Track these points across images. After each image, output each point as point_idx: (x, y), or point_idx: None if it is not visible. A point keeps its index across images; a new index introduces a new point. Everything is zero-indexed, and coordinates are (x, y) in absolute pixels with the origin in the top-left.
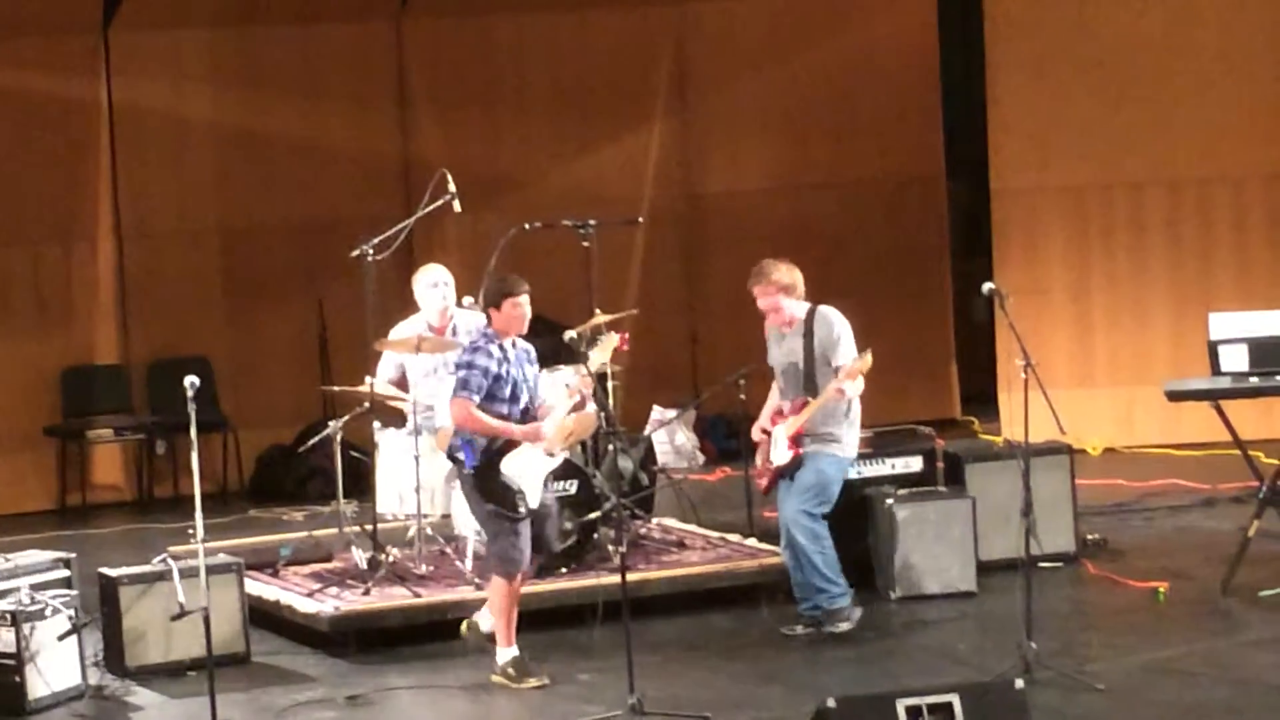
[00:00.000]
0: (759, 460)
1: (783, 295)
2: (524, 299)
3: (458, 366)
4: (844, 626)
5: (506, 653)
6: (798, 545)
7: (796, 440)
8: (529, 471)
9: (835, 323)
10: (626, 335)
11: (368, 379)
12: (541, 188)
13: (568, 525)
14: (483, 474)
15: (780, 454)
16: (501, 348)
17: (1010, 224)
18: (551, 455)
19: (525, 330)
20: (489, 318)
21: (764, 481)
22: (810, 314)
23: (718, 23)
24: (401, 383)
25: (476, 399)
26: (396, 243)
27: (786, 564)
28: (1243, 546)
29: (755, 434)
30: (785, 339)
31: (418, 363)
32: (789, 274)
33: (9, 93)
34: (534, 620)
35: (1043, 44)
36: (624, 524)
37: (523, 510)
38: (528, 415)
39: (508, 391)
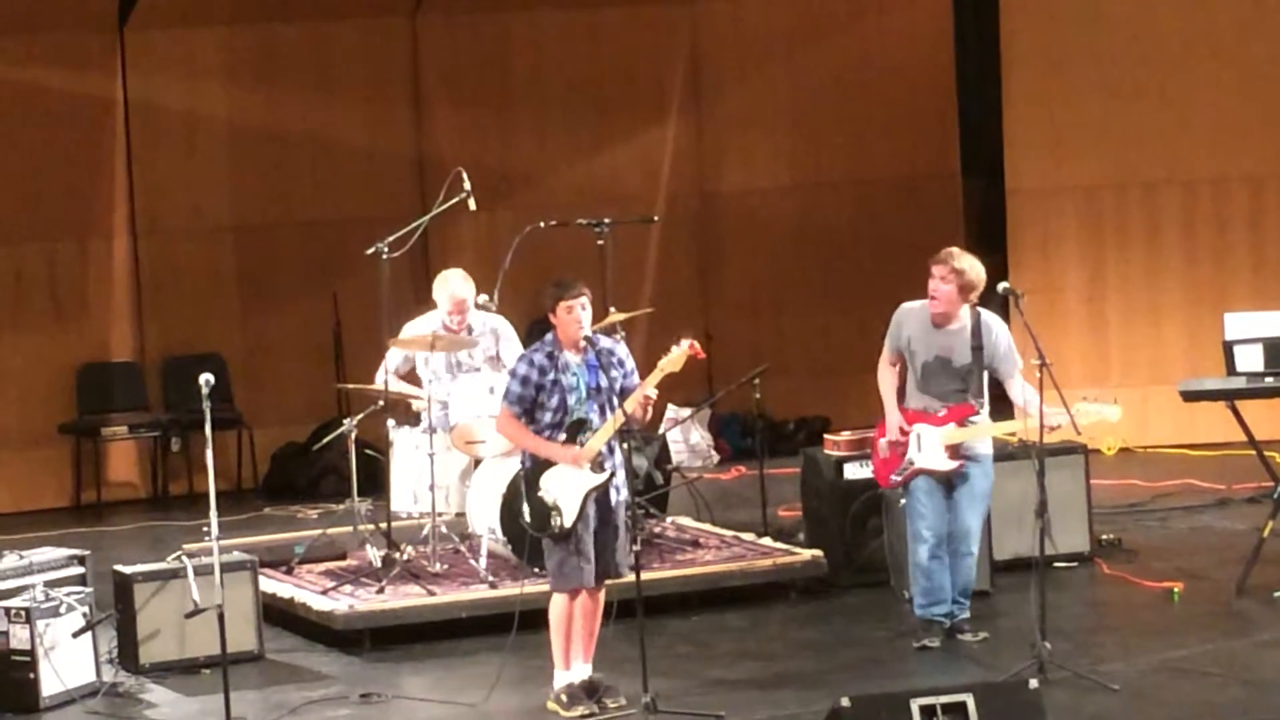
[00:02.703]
0: (883, 449)
1: (959, 289)
2: (578, 301)
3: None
4: (983, 634)
5: (562, 676)
6: (970, 554)
7: (954, 449)
8: (568, 487)
9: (1002, 335)
10: (695, 344)
11: (378, 375)
12: (556, 186)
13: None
14: (527, 483)
15: (940, 460)
16: (552, 356)
17: (1025, 223)
18: (601, 471)
19: (585, 332)
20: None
21: (896, 478)
22: (977, 318)
23: (732, 20)
24: (410, 376)
25: (516, 409)
26: (411, 240)
27: (926, 570)
28: (1258, 547)
29: (894, 432)
30: (939, 333)
31: (432, 360)
32: (974, 271)
33: (25, 90)
34: (547, 620)
35: (1058, 42)
36: (638, 523)
37: (555, 527)
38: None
39: (554, 402)
